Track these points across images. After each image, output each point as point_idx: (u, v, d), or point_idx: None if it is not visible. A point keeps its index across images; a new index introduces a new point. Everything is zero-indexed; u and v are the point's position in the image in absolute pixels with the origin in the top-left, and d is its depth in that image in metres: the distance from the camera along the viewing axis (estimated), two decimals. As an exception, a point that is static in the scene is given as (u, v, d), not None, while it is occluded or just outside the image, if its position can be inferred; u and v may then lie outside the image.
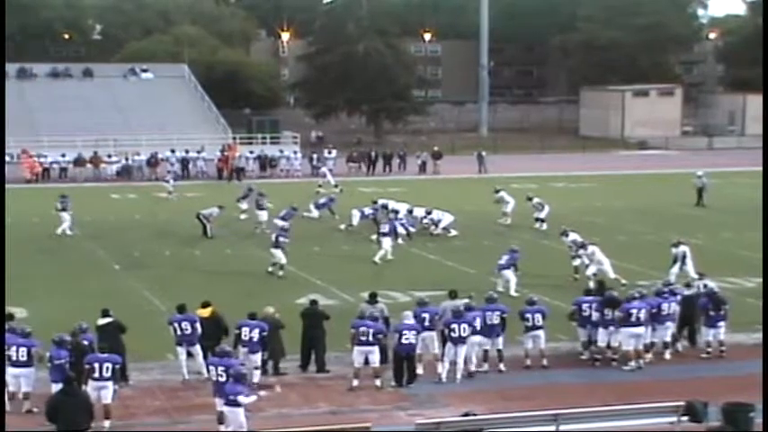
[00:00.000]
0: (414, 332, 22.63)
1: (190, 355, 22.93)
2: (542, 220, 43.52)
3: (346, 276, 33.93)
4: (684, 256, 32.38)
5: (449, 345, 23.03)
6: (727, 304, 25.17)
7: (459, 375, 22.96)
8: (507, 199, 45.60)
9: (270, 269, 34.35)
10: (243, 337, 22.51)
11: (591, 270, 32.18)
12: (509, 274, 31.50)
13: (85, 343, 21.27)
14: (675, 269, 31.89)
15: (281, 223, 38.73)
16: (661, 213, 49.54)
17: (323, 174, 60.06)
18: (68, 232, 42.18)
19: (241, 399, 18.72)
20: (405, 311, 23.61)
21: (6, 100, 73.48)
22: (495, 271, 32.05)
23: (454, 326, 22.94)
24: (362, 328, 22.37)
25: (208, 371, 20.79)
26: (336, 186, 56.68)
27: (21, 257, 36.05)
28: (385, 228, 37.80)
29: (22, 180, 61.25)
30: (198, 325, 22.86)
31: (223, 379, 19.54)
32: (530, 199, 44.74)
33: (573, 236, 34.88)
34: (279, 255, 34.17)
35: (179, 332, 22.84)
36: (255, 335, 22.46)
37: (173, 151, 66.57)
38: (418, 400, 21.60)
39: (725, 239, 41.94)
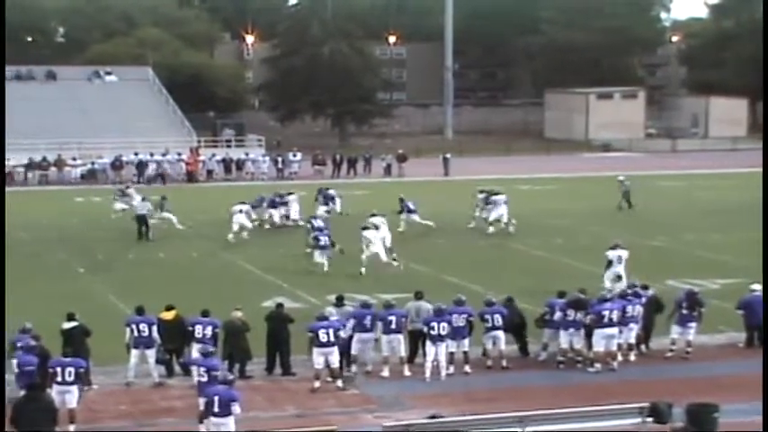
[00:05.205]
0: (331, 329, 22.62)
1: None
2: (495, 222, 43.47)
3: (313, 279, 33.87)
4: (621, 260, 31.96)
5: (428, 344, 23.25)
6: (704, 306, 25.29)
7: (443, 373, 23.16)
8: None
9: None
10: (196, 334, 22.78)
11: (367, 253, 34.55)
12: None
13: (19, 344, 21.22)
14: (610, 273, 31.60)
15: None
16: (624, 215, 49.77)
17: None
18: None
19: (235, 408, 18.39)
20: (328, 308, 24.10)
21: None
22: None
23: (434, 324, 23.18)
24: (321, 330, 22.41)
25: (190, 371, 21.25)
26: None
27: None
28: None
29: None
30: (155, 327, 22.85)
31: (205, 379, 19.56)
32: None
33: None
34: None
35: (136, 334, 22.79)
36: (209, 332, 22.76)
37: (136, 154, 66.41)
38: (385, 402, 21.62)
39: (688, 241, 42.16)
